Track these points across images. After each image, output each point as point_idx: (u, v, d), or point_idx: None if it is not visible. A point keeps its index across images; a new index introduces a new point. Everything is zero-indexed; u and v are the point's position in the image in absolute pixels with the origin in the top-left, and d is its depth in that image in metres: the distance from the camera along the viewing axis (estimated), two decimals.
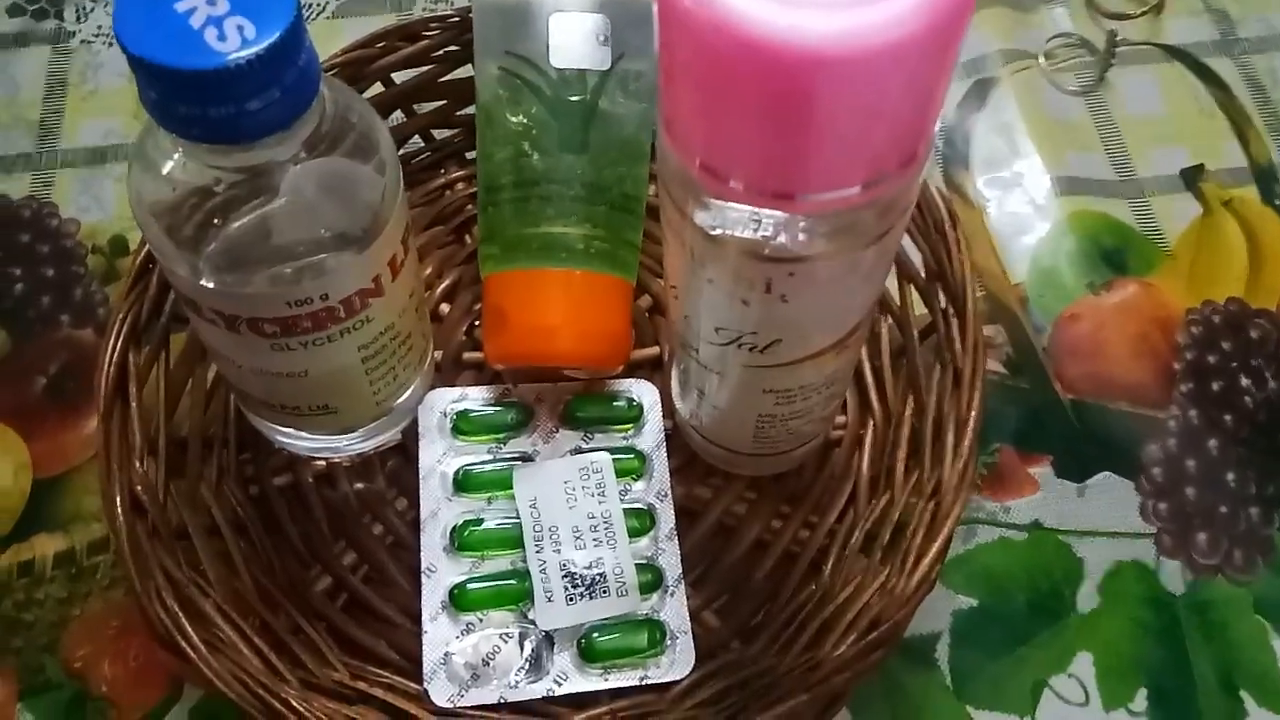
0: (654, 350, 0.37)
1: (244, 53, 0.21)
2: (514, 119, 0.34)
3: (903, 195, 0.21)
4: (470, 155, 0.41)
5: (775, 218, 0.21)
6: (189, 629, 0.26)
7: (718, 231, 0.21)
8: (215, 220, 0.25)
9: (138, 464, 0.29)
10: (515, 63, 0.34)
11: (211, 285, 0.26)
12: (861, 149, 0.19)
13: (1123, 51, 0.46)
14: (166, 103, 0.22)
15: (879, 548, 0.31)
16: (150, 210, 0.25)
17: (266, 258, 0.26)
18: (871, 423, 0.35)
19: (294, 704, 0.25)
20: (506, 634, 0.31)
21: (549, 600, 0.31)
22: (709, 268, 0.23)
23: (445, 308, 0.38)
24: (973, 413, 0.31)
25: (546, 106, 0.33)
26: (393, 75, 0.38)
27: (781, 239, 0.21)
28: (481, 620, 0.32)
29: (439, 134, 0.41)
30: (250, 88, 0.22)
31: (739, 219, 0.21)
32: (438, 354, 0.36)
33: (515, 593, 0.32)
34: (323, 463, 0.35)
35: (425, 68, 0.39)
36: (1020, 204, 0.42)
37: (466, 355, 0.37)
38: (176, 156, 0.24)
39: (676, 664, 0.31)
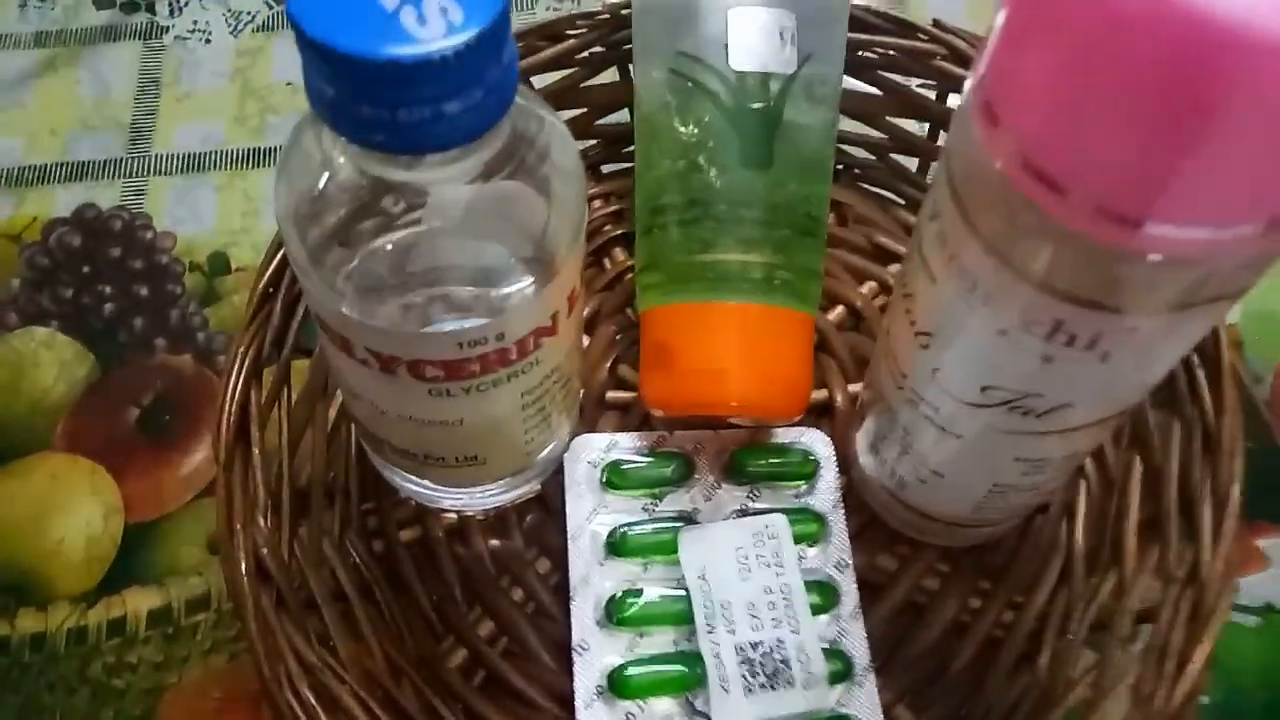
0: (822, 394, 0.33)
1: (451, 41, 0.17)
2: (684, 129, 0.30)
3: None
4: (608, 169, 0.37)
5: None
6: None
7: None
8: (379, 239, 0.21)
9: (261, 521, 0.25)
10: (688, 64, 0.30)
11: (364, 317, 0.21)
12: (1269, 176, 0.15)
13: None
14: (348, 101, 0.18)
15: (1117, 641, 0.27)
16: (298, 227, 0.21)
17: (430, 284, 0.22)
18: (1084, 485, 0.30)
19: None
20: None
21: (725, 691, 0.27)
22: (1006, 313, 0.18)
23: (585, 340, 0.34)
24: (1235, 485, 0.26)
25: (725, 114, 0.29)
26: (532, 79, 0.34)
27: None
28: (642, 709, 0.27)
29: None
30: (453, 85, 0.17)
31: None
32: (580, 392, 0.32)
33: (682, 679, 0.27)
34: (453, 515, 0.30)
35: (566, 71, 0.35)
36: None
37: (610, 395, 0.33)
38: (340, 163, 0.20)
39: None
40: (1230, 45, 0.13)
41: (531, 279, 0.22)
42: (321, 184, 0.21)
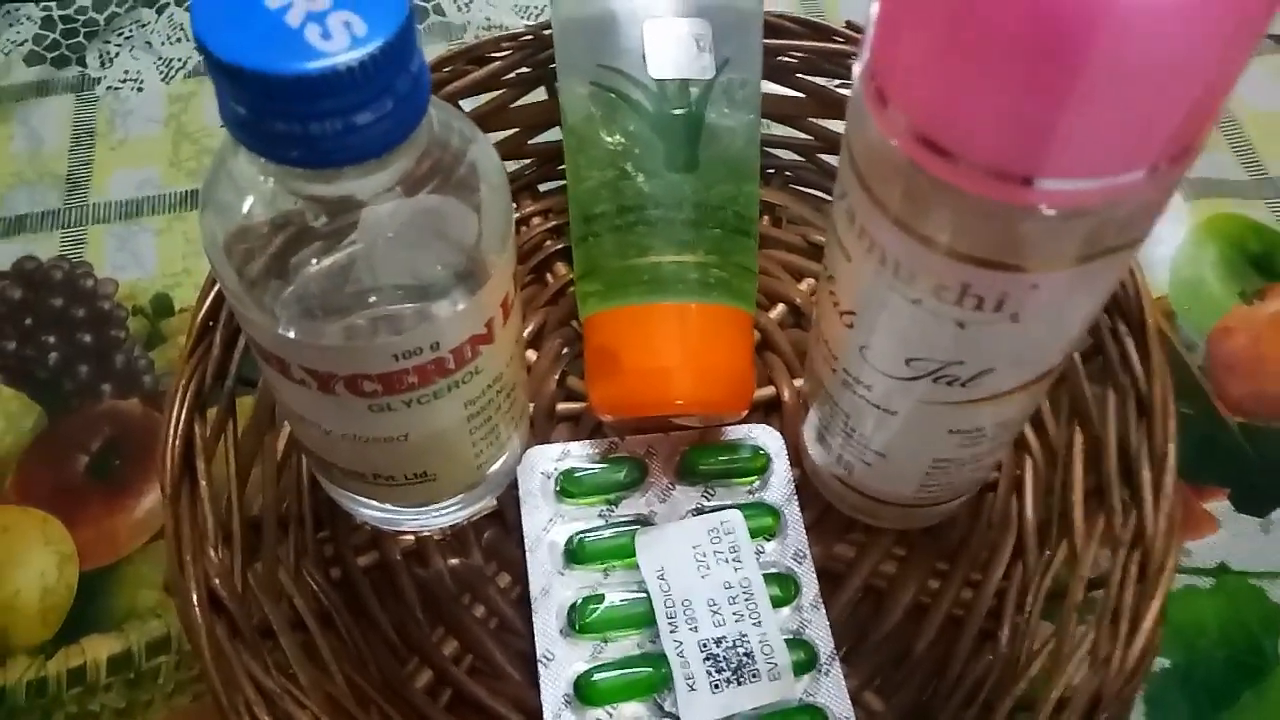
0: (769, 390, 0.33)
1: (356, 53, 0.17)
2: (610, 139, 0.30)
3: (1172, 189, 0.17)
4: (544, 188, 0.38)
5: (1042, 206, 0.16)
6: None
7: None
8: (305, 255, 0.21)
9: (212, 552, 0.25)
10: (609, 76, 0.30)
11: (303, 338, 0.22)
12: (1157, 122, 0.15)
13: None
14: (259, 119, 0.18)
15: (1071, 608, 0.27)
16: (229, 255, 0.21)
17: (365, 302, 0.22)
18: (1030, 462, 0.31)
19: None
20: None
21: (691, 689, 0.27)
22: (917, 283, 0.19)
23: (531, 355, 0.34)
24: (1170, 445, 0.27)
25: (648, 122, 0.30)
26: (461, 103, 0.34)
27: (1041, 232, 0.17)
28: (611, 715, 0.27)
29: (509, 165, 0.37)
30: (362, 96, 0.18)
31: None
32: (530, 407, 0.32)
33: (649, 681, 0.27)
34: (411, 537, 0.30)
35: (494, 93, 0.35)
36: None
37: (561, 407, 0.33)
38: (263, 185, 0.20)
39: None
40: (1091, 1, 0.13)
41: (465, 286, 0.22)
42: (246, 209, 0.21)
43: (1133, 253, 0.18)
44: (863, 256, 0.19)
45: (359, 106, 0.18)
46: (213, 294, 0.28)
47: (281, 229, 0.21)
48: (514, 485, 0.30)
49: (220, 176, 0.21)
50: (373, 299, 0.22)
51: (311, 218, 0.20)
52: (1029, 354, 0.20)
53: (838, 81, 0.34)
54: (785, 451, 0.31)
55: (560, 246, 0.36)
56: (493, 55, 0.34)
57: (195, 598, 0.24)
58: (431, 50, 0.44)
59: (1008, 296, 0.18)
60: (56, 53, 0.44)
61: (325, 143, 0.18)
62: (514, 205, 0.37)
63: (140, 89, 0.43)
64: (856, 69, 0.18)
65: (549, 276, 0.36)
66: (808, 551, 0.30)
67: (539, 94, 0.36)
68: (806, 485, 0.31)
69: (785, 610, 0.29)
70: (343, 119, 0.18)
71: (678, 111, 0.30)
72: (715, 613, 0.28)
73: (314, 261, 0.21)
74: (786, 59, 0.34)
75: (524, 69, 0.35)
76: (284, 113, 0.18)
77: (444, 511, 0.30)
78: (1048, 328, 0.19)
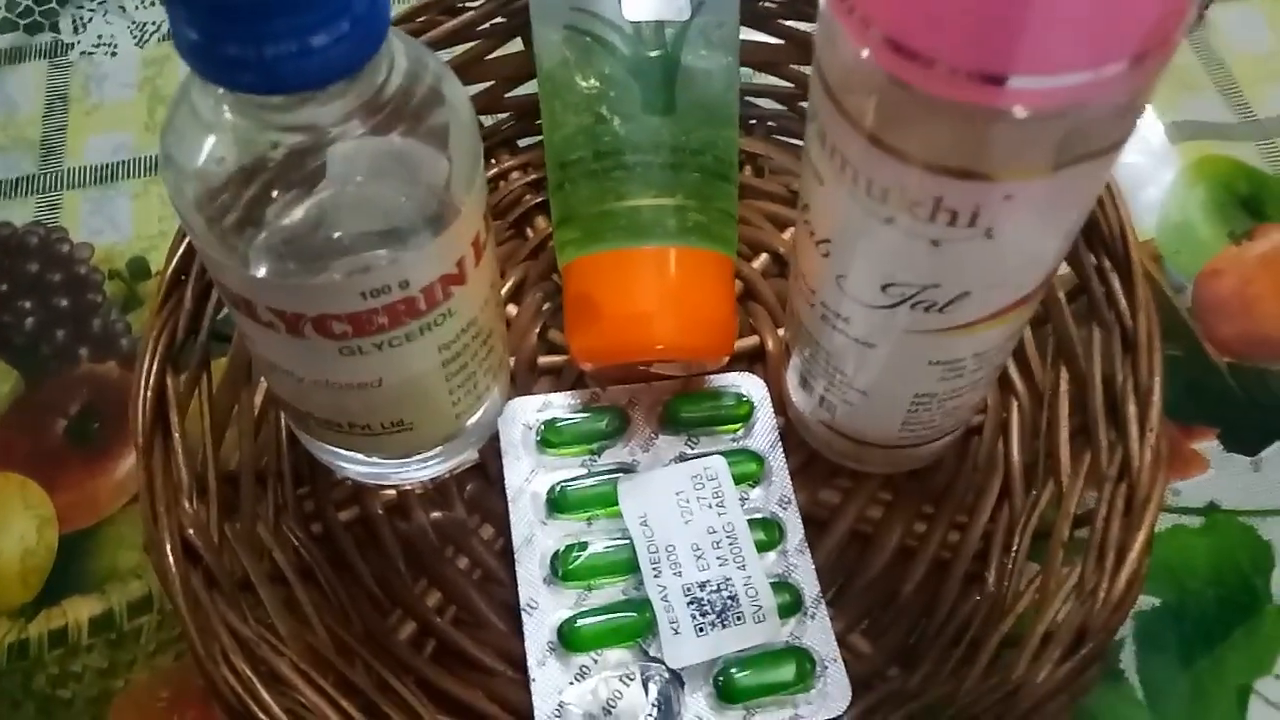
0: (753, 340, 0.33)
1: None
2: (586, 83, 0.30)
3: (1148, 89, 0.17)
4: (523, 142, 0.37)
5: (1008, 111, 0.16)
6: (266, 696, 0.22)
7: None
8: (271, 195, 0.20)
9: (187, 504, 0.25)
10: (583, 19, 0.30)
11: (269, 277, 0.21)
12: (1133, 9, 0.15)
13: None
14: (213, 43, 0.17)
15: (1058, 545, 0.27)
16: (194, 201, 0.21)
17: (330, 242, 0.21)
18: (1016, 403, 0.31)
19: None
20: (627, 675, 0.27)
21: (675, 633, 0.27)
22: (890, 200, 0.18)
23: (512, 309, 0.33)
24: (1155, 379, 0.26)
25: (623, 65, 0.29)
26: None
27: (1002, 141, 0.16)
28: (596, 661, 0.27)
29: (485, 120, 0.37)
30: (317, 16, 0.17)
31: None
32: (510, 360, 0.32)
33: (633, 626, 0.27)
34: (392, 491, 0.30)
35: (469, 44, 0.34)
36: (1136, 154, 0.38)
37: (542, 360, 0.32)
38: (223, 120, 0.20)
39: (830, 698, 0.27)
40: None
41: (432, 224, 0.22)
42: (207, 149, 0.21)
43: (1109, 162, 0.18)
44: (835, 178, 0.19)
45: (314, 27, 0.18)
46: (183, 247, 0.27)
47: (248, 174, 0.20)
48: (495, 438, 0.30)
49: (179, 118, 0.21)
50: (338, 234, 0.21)
51: (271, 149, 0.20)
52: (1005, 274, 0.20)
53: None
54: (769, 399, 0.31)
55: (539, 200, 0.35)
56: (467, 5, 0.34)
57: (169, 547, 0.23)
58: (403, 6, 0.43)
59: (981, 209, 0.17)
60: (29, 19, 0.43)
61: (281, 66, 0.18)
62: (492, 160, 0.37)
63: (114, 54, 0.42)
64: None
65: (529, 231, 0.35)
66: (792, 497, 0.29)
67: (515, 45, 0.35)
68: (791, 434, 0.31)
69: (770, 555, 0.29)
70: (297, 40, 0.17)
71: (653, 54, 0.29)
72: (699, 557, 0.28)
73: (280, 202, 0.21)
74: (767, 4, 0.34)
75: (499, 19, 0.34)
76: (238, 35, 0.17)
77: (425, 464, 0.29)
78: (1023, 244, 0.19)
